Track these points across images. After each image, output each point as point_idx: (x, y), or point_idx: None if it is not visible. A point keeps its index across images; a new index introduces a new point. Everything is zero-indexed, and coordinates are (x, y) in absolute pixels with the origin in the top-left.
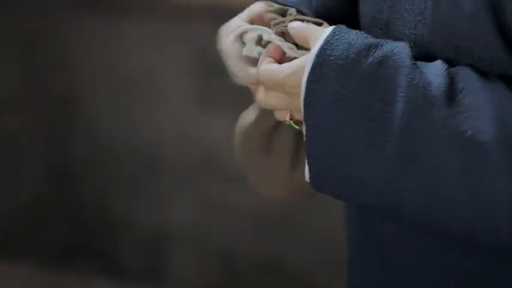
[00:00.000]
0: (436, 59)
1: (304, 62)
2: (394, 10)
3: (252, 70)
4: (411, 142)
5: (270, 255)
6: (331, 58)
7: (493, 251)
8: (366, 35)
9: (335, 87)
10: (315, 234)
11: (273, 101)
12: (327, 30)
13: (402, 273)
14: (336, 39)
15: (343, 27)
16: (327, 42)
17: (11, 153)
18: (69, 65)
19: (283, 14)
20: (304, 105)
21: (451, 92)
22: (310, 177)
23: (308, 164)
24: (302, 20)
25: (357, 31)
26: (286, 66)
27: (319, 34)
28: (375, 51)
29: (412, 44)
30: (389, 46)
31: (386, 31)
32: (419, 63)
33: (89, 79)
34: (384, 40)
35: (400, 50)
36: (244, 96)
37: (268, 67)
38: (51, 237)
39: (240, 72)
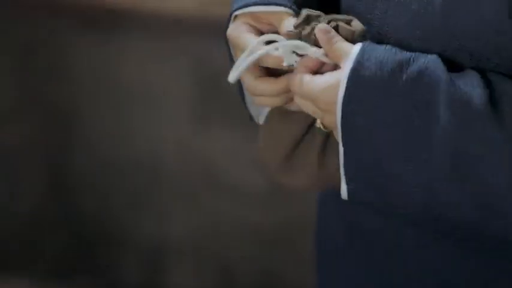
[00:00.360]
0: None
1: (338, 79)
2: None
3: (281, 81)
4: (458, 157)
5: (268, 268)
6: (365, 79)
7: (493, 251)
8: (394, 50)
9: (371, 107)
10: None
11: (306, 109)
12: (355, 49)
13: (401, 272)
14: (366, 59)
15: (369, 44)
16: (358, 62)
17: (9, 166)
18: (69, 78)
19: (307, 20)
20: (342, 125)
21: (493, 103)
22: (348, 192)
23: (346, 181)
24: (330, 22)
25: (384, 46)
26: (320, 81)
27: (348, 51)
28: (408, 67)
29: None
30: (421, 61)
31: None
32: (453, 75)
33: (88, 92)
34: (413, 54)
35: (434, 63)
36: (242, 109)
37: (303, 78)
38: (50, 250)
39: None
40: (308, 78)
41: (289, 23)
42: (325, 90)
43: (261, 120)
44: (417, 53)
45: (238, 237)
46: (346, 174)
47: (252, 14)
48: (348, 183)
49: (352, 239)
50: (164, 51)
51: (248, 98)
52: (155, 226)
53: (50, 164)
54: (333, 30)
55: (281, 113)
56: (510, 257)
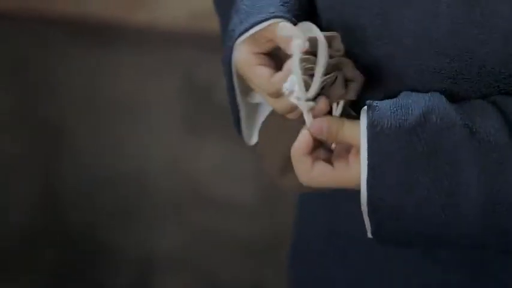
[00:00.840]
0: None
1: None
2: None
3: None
4: (493, 203)
5: (256, 282)
6: (384, 153)
7: (477, 265)
8: (396, 104)
9: (396, 185)
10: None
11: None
12: (363, 126)
13: (376, 275)
14: (377, 132)
15: (376, 115)
16: (372, 141)
17: None
18: (58, 91)
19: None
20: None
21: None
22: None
23: (376, 238)
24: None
25: (389, 107)
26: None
27: (356, 136)
28: (422, 131)
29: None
30: (434, 118)
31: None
32: (469, 119)
33: (78, 105)
34: (416, 107)
35: (444, 111)
36: (230, 122)
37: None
38: (40, 262)
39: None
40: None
41: (296, 48)
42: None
43: (253, 141)
44: (424, 105)
45: (225, 250)
46: (376, 235)
47: (251, 38)
48: (377, 240)
49: (330, 240)
50: (153, 65)
51: (244, 123)
52: (143, 239)
53: (40, 177)
54: (327, 124)
55: (278, 121)
56: (494, 272)
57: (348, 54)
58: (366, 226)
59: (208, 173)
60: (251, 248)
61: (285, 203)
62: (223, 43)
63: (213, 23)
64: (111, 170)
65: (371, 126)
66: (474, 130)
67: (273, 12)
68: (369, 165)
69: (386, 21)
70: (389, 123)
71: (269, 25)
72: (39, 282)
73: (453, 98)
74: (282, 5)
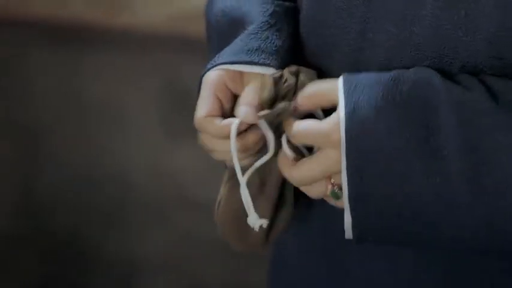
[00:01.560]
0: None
1: (337, 120)
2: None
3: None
4: (475, 158)
5: (240, 284)
6: (360, 118)
7: (449, 263)
8: (374, 74)
9: (374, 136)
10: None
11: (306, 172)
12: (340, 89)
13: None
14: (354, 91)
15: (348, 75)
16: (348, 97)
17: None
18: (38, 95)
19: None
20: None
21: (493, 96)
22: (354, 228)
23: (354, 215)
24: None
25: (364, 74)
26: (324, 123)
27: (331, 88)
28: (398, 83)
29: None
30: (411, 73)
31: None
32: (445, 79)
33: (58, 109)
34: (397, 71)
35: (425, 73)
36: None
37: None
38: (21, 267)
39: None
40: (306, 124)
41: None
42: (333, 129)
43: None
44: (401, 70)
45: (209, 254)
46: (355, 209)
47: (234, 72)
48: (356, 218)
49: (304, 249)
50: (133, 68)
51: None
52: (125, 243)
53: (20, 182)
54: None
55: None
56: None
57: (329, 52)
58: (346, 220)
59: (190, 175)
60: (234, 251)
61: None
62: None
63: (192, 26)
64: (91, 173)
65: (346, 81)
66: (451, 87)
67: (266, 60)
68: (346, 114)
69: (367, 23)
70: (364, 79)
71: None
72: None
73: None
74: (275, 51)
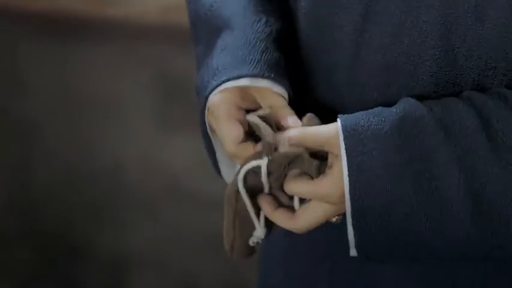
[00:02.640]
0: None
1: (339, 173)
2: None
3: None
4: (477, 201)
5: (231, 279)
6: (364, 158)
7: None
8: (368, 113)
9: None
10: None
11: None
12: (341, 142)
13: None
14: (353, 138)
15: (349, 122)
16: (350, 146)
17: None
18: (28, 88)
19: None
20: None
21: (489, 131)
22: (359, 252)
23: (360, 252)
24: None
25: (358, 115)
26: (325, 181)
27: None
28: (399, 137)
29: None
30: (408, 124)
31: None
32: (443, 122)
33: (49, 102)
34: (388, 113)
35: (417, 116)
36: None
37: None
38: (12, 265)
39: None
40: (310, 184)
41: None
42: (332, 187)
43: (227, 178)
44: (396, 112)
45: (200, 248)
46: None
47: (241, 88)
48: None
49: (292, 253)
50: (125, 60)
51: (222, 163)
52: (117, 237)
53: (11, 176)
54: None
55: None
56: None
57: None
58: (350, 241)
59: (183, 169)
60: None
61: None
62: (198, 70)
63: (185, 17)
64: (82, 169)
65: (347, 135)
66: (449, 133)
67: (269, 73)
68: (350, 173)
69: (369, 6)
70: (364, 129)
71: (261, 88)
72: (10, 283)
73: (433, 94)
74: (275, 64)
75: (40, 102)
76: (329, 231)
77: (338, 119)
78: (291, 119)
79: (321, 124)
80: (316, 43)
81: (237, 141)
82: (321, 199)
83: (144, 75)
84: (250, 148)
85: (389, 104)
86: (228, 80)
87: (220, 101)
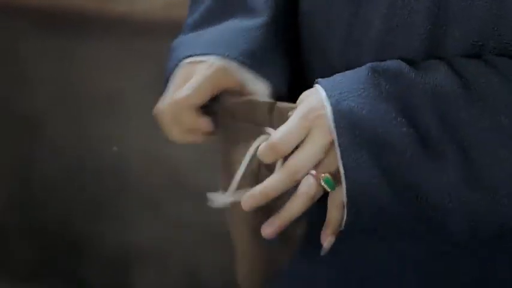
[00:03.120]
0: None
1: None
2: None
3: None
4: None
5: (234, 275)
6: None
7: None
8: (348, 73)
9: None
10: None
11: (297, 163)
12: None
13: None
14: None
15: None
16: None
17: None
18: (32, 84)
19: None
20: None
21: (468, 90)
22: (349, 213)
23: (349, 204)
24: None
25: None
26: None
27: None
28: (379, 76)
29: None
30: (383, 66)
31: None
32: (418, 70)
33: (52, 98)
34: (371, 64)
35: (395, 64)
36: None
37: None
38: (14, 260)
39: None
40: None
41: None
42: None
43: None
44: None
45: (203, 244)
46: (350, 191)
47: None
48: (350, 208)
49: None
50: (129, 55)
51: None
52: (119, 234)
53: (13, 173)
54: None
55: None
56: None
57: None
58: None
59: (185, 165)
60: (228, 241)
61: None
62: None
63: None
64: (85, 165)
65: (326, 88)
66: (421, 72)
67: (241, 54)
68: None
69: (359, 6)
70: (341, 81)
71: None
72: (12, 279)
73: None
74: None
75: (42, 99)
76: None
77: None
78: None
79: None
80: (313, 25)
81: (190, 99)
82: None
83: (147, 71)
84: (196, 114)
85: None
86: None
87: (209, 66)
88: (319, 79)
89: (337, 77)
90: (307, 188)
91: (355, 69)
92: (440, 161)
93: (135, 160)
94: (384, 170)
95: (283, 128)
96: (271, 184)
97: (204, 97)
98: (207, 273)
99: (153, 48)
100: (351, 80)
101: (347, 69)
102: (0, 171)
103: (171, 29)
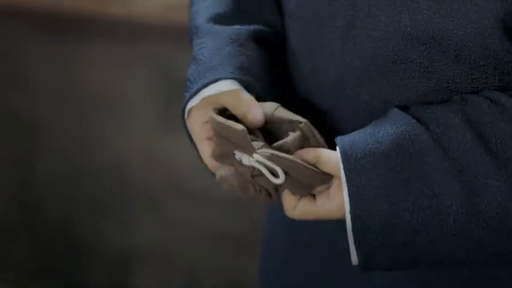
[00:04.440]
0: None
1: (340, 204)
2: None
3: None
4: (474, 212)
5: (234, 274)
6: (363, 183)
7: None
8: (365, 133)
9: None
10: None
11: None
12: (340, 164)
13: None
14: (353, 163)
15: (347, 146)
16: (349, 171)
17: None
18: (32, 86)
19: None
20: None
21: (487, 145)
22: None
23: (363, 263)
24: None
25: (355, 136)
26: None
27: (333, 165)
28: (397, 157)
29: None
30: (406, 144)
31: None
32: (439, 138)
33: (52, 100)
34: (385, 134)
35: (414, 135)
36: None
37: (307, 208)
38: (15, 261)
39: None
40: (312, 206)
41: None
42: (333, 209)
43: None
44: (393, 132)
45: (204, 244)
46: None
47: (205, 100)
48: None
49: (292, 241)
50: (128, 58)
51: None
52: (120, 234)
53: (14, 172)
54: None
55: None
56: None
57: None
58: (352, 257)
59: (185, 166)
60: (230, 241)
61: None
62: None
63: (188, 16)
64: (86, 165)
65: (345, 158)
66: (447, 150)
67: (228, 74)
68: (350, 195)
69: (356, 17)
70: (362, 152)
71: (223, 92)
72: (12, 278)
73: (425, 94)
74: (239, 66)
75: (43, 101)
76: (332, 240)
77: (337, 144)
78: (252, 112)
79: (289, 114)
80: (303, 46)
81: (212, 156)
82: (323, 218)
83: (147, 73)
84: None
85: (377, 107)
86: (190, 98)
87: (191, 121)
88: (341, 153)
89: (361, 151)
90: None
91: (380, 143)
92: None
93: (136, 162)
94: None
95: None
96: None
97: None
98: (207, 275)
99: (153, 50)
100: (375, 163)
101: (340, 91)
102: (1, 172)
103: (171, 32)
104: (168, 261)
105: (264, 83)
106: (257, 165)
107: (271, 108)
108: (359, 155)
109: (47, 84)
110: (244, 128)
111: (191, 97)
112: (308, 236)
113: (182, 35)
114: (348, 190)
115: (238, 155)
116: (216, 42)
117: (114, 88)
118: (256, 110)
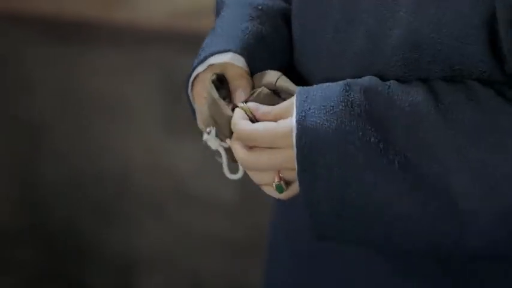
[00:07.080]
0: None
1: (289, 125)
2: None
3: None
4: (416, 161)
5: (238, 280)
6: (313, 125)
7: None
8: (327, 84)
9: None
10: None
11: (262, 160)
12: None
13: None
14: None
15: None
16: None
17: None
18: (37, 90)
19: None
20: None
21: (438, 105)
22: (313, 227)
23: (312, 216)
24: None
25: (316, 86)
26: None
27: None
28: (349, 94)
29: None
30: (358, 87)
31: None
32: (392, 86)
33: (57, 104)
34: (347, 81)
35: (372, 80)
36: None
37: (257, 128)
38: (19, 264)
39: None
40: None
41: (241, 96)
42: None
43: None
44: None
45: (207, 248)
46: (313, 212)
47: (214, 67)
48: (314, 219)
49: (294, 244)
50: (133, 64)
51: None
52: (124, 239)
53: (19, 177)
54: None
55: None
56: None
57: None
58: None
59: (189, 171)
60: (233, 246)
61: (267, 201)
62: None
63: (193, 22)
64: (90, 170)
65: (301, 91)
66: (395, 96)
67: (231, 48)
68: (297, 114)
69: (346, 21)
70: (314, 90)
71: (228, 63)
72: (17, 283)
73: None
74: (250, 44)
75: (47, 105)
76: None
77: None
78: (239, 95)
79: (290, 85)
80: (302, 45)
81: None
82: (279, 138)
83: (151, 79)
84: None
85: None
86: (199, 64)
87: (194, 86)
88: (299, 90)
89: (313, 90)
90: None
91: (332, 84)
92: (392, 167)
93: (140, 167)
94: (340, 183)
95: (253, 128)
96: (240, 159)
97: None
98: (210, 279)
99: (157, 56)
100: (324, 96)
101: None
102: (5, 176)
103: (175, 37)
104: (171, 265)
105: (270, 65)
106: (217, 147)
107: (274, 77)
108: (310, 91)
109: (51, 90)
110: (231, 115)
111: (199, 63)
112: (312, 241)
113: (186, 41)
114: (296, 115)
115: (212, 131)
116: (236, 16)
117: (118, 94)
118: (243, 97)
